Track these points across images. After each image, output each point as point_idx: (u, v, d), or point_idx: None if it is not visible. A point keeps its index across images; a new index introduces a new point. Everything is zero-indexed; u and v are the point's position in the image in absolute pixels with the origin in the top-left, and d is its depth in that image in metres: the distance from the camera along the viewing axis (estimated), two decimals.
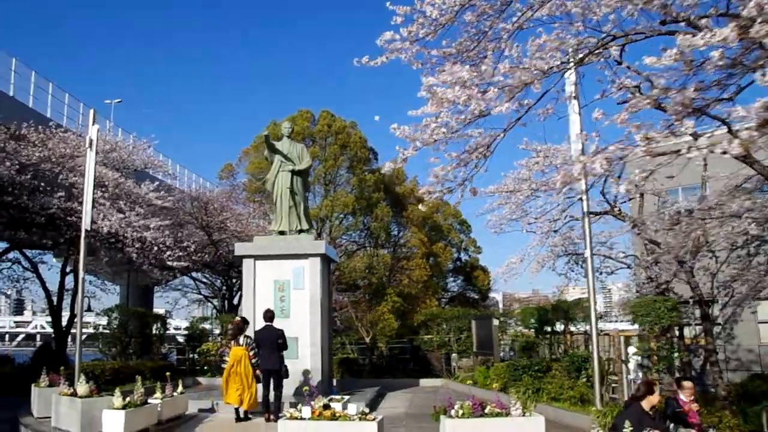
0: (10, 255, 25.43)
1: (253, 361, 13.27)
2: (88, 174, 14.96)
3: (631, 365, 16.18)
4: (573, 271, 21.81)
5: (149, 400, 12.26)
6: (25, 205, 20.70)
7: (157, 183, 27.61)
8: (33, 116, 23.48)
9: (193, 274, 32.60)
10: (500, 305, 55.19)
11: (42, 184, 20.98)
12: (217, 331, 23.64)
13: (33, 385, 14.10)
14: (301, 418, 9.88)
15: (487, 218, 21.20)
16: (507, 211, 21.15)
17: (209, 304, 36.54)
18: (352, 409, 9.91)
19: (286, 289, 15.68)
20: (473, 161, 12.49)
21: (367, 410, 9.98)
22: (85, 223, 14.77)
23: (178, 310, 37.95)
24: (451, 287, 40.54)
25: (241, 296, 33.57)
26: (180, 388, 13.65)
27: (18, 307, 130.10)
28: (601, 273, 22.51)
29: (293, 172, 16.42)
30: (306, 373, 15.24)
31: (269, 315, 13.64)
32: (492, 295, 44.70)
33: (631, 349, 15.60)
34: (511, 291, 62.15)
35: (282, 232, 16.40)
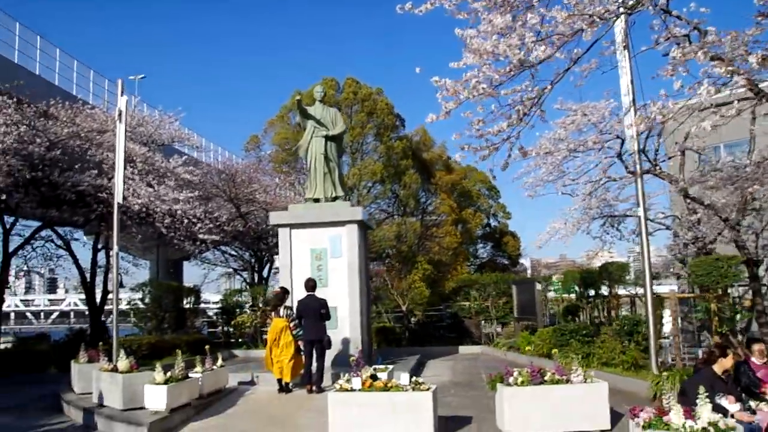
0: (43, 233, 25.20)
1: (294, 332, 12.84)
2: (118, 146, 14.50)
3: (666, 329, 15.56)
4: (608, 233, 21.17)
5: (190, 374, 11.87)
6: (55, 182, 20.32)
7: (185, 157, 27.23)
8: (59, 94, 23.13)
9: (222, 248, 32.20)
10: (528, 272, 54.47)
11: (71, 160, 20.60)
12: (249, 304, 23.21)
13: (72, 361, 13.75)
14: (352, 390, 9.38)
15: (524, 180, 20.56)
16: (544, 172, 20.48)
17: (238, 277, 36.21)
18: (404, 378, 9.39)
19: (323, 258, 15.17)
20: (520, 116, 11.79)
21: (420, 380, 9.44)
22: (118, 197, 14.34)
23: (208, 284, 37.71)
24: (480, 254, 39.95)
25: (271, 268, 33.32)
26: (220, 361, 13.23)
27: (51, 286, 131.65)
28: (637, 235, 21.79)
29: (327, 138, 15.82)
30: (346, 342, 14.79)
31: (311, 284, 13.16)
32: (521, 261, 44.06)
33: (666, 312, 14.99)
34: (537, 257, 61.41)
35: (317, 200, 15.87)
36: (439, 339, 21.28)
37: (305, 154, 16.20)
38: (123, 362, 11.60)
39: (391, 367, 12.43)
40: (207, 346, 13.20)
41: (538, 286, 16.90)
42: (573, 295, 19.16)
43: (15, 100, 18.81)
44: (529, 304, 17.41)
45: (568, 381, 9.20)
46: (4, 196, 17.41)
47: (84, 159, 20.93)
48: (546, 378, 9.26)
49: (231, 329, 21.79)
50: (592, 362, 13.07)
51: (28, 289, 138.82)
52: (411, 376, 13.98)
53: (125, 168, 21.36)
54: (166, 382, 10.78)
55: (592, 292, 17.98)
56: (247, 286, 26.88)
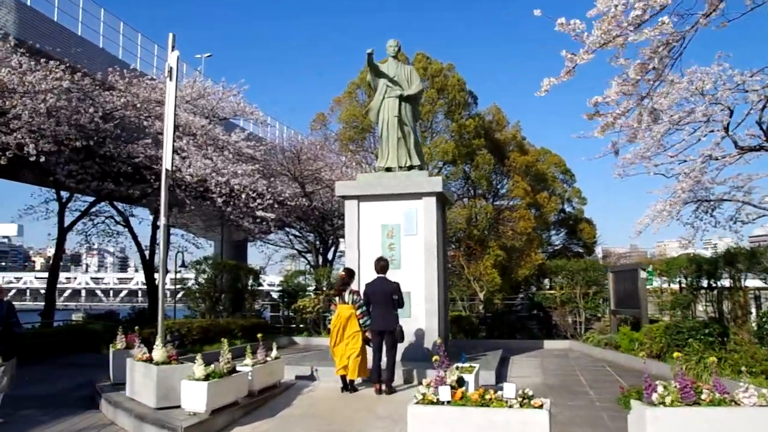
0: (105, 209, 23.71)
1: (362, 321, 10.44)
2: (168, 108, 12.25)
3: None
4: (701, 220, 18.30)
5: (238, 367, 9.60)
6: (110, 154, 18.63)
7: (247, 132, 25.29)
8: (116, 63, 21.52)
9: (286, 229, 30.21)
10: (600, 262, 50.90)
11: (125, 133, 18.89)
12: (312, 287, 21.05)
13: (110, 346, 11.67)
14: (439, 402, 6.92)
15: (621, 156, 17.80)
16: (642, 148, 17.74)
17: (302, 259, 34.24)
18: (509, 390, 6.87)
19: (395, 235, 12.74)
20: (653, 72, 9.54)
21: (530, 392, 6.91)
22: (166, 163, 12.13)
23: (272, 265, 35.86)
24: (553, 241, 36.92)
25: (336, 251, 31.12)
26: (274, 352, 10.97)
27: (122, 265, 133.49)
28: (735, 222, 18.91)
29: (401, 98, 13.35)
30: (420, 333, 12.38)
31: (382, 264, 10.74)
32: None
33: None
34: (608, 246, 57.39)
35: (389, 169, 13.44)
36: (520, 331, 18.62)
37: (376, 117, 13.76)
38: (159, 351, 9.40)
39: (476, 366, 9.94)
40: (259, 335, 10.89)
41: (643, 274, 14.04)
42: (675, 287, 16.31)
43: (68, 66, 17.10)
44: (630, 295, 14.58)
45: (732, 401, 6.53)
46: (44, 160, 15.62)
47: (140, 130, 19.20)
48: (702, 396, 6.60)
49: (292, 314, 19.61)
50: (724, 369, 10.30)
51: (100, 267, 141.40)
52: (495, 376, 11.58)
53: (182, 139, 19.67)
54: (207, 378, 8.55)
55: (706, 284, 15.14)
56: (311, 269, 24.76)
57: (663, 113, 15.84)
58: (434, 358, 8.19)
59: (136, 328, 11.38)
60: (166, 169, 11.96)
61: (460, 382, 8.18)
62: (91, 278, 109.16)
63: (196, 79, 23.23)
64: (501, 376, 11.80)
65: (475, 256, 25.85)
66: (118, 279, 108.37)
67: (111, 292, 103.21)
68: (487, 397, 6.93)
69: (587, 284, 17.56)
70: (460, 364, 9.46)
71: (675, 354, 8.67)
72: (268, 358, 10.67)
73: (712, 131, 16.42)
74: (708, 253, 27.85)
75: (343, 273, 10.90)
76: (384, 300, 10.35)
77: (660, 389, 6.68)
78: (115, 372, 10.96)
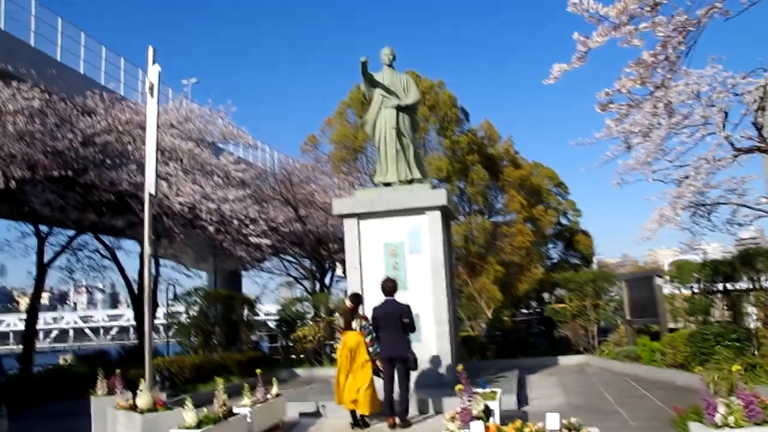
0: (90, 243, 22.50)
1: (371, 348, 9.29)
2: (150, 127, 11.17)
3: None
4: (698, 224, 17.45)
5: (235, 408, 8.44)
6: (92, 182, 17.44)
7: (237, 156, 24.29)
8: (94, 87, 20.36)
9: (281, 255, 29.04)
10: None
11: (108, 159, 17.76)
12: (310, 315, 19.88)
13: (90, 391, 10.44)
14: None
15: (622, 162, 16.94)
16: (643, 153, 16.89)
17: (299, 286, 33.04)
18: (552, 421, 5.80)
19: (399, 254, 11.67)
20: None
21: (576, 421, 5.84)
22: (149, 187, 11.02)
23: (267, 294, 34.58)
24: (551, 254, 35.95)
25: (333, 276, 29.96)
26: (275, 388, 9.83)
27: (113, 301, 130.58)
28: (731, 224, 18.07)
29: (399, 108, 12.33)
30: (433, 359, 11.30)
31: (390, 286, 9.62)
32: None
33: None
34: (600, 257, 56.30)
35: (388, 184, 12.38)
36: (532, 348, 17.50)
37: (372, 129, 12.72)
38: (144, 397, 8.25)
39: (498, 391, 8.85)
40: (258, 370, 9.72)
41: (659, 281, 12.98)
42: (687, 292, 15.31)
43: (44, 91, 16.08)
44: (647, 304, 13.48)
45: None
46: (18, 188, 14.52)
47: (124, 156, 18.07)
48: None
49: (291, 344, 18.40)
50: (758, 376, 9.28)
51: (89, 304, 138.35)
52: (516, 400, 10.48)
53: (166, 164, 18.58)
54: (199, 425, 7.41)
55: (721, 287, 14.17)
56: (309, 295, 23.57)
57: (676, 110, 15.10)
58: (458, 387, 7.13)
59: (117, 371, 10.13)
60: (150, 194, 10.88)
61: (488, 412, 7.13)
62: (80, 317, 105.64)
63: (182, 101, 22.13)
64: (522, 400, 10.69)
65: (475, 273, 24.84)
66: (108, 316, 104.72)
67: (101, 330, 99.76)
68: (527, 430, 5.87)
69: (597, 295, 16.52)
70: (480, 390, 8.35)
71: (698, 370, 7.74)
72: (269, 396, 9.54)
73: (711, 134, 15.68)
74: (699, 259, 26.96)
75: (350, 303, 9.71)
76: (394, 324, 9.24)
77: (722, 408, 5.64)
78: (97, 423, 9.72)
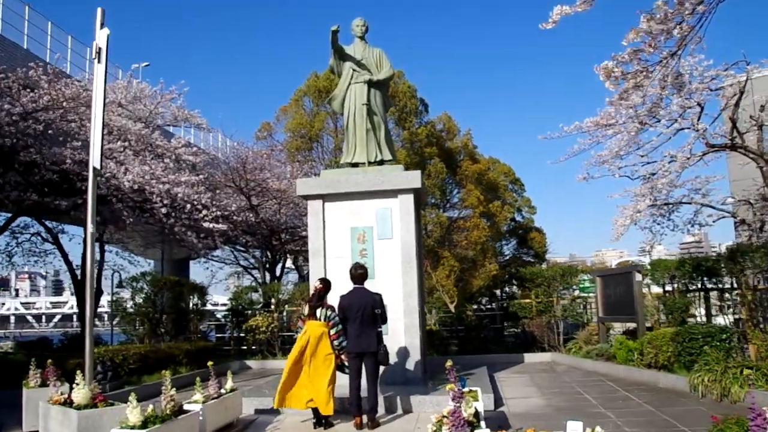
0: (32, 227, 20.89)
1: (337, 341, 8.22)
2: (96, 95, 9.87)
3: None
4: (659, 224, 17.06)
5: (185, 405, 7.33)
6: (33, 159, 15.93)
7: (187, 139, 22.94)
8: (38, 61, 18.73)
9: (231, 245, 27.69)
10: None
11: (50, 133, 16.24)
12: (261, 305, 18.71)
13: (23, 383, 9.16)
14: None
15: (592, 154, 16.31)
16: (615, 146, 16.31)
17: (249, 276, 31.68)
18: (575, 429, 4.87)
19: (368, 240, 10.68)
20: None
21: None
22: (94, 161, 9.74)
23: (216, 284, 33.13)
24: (504, 250, 35.33)
25: (284, 267, 28.77)
26: (230, 382, 8.73)
27: (57, 288, 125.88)
28: (693, 225, 17.73)
29: (370, 83, 11.30)
30: (401, 353, 10.36)
31: (360, 273, 8.59)
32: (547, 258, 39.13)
33: None
34: (549, 256, 56.24)
35: (355, 165, 11.33)
36: (495, 344, 16.64)
37: (341, 106, 11.66)
38: (81, 391, 7.06)
39: (477, 390, 7.96)
40: (210, 362, 8.57)
41: (638, 277, 12.24)
42: (659, 290, 14.70)
43: None
44: (623, 302, 12.69)
45: None
46: None
47: (68, 134, 16.59)
48: None
49: (243, 334, 17.17)
50: (758, 380, 8.57)
51: (32, 291, 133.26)
52: (491, 398, 9.59)
53: (114, 141, 17.19)
54: (144, 425, 6.28)
55: (700, 285, 13.61)
56: (259, 286, 22.32)
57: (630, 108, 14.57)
58: (449, 387, 6.17)
59: (49, 361, 8.84)
60: (94, 168, 9.64)
61: (477, 415, 6.24)
62: (21, 303, 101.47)
63: (131, 80, 20.60)
64: (497, 399, 9.81)
65: (432, 266, 23.98)
66: (51, 303, 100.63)
67: (43, 317, 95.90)
68: None
69: (564, 291, 15.77)
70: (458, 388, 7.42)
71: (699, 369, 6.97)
72: (223, 391, 8.43)
73: (683, 129, 15.18)
74: (646, 261, 26.75)
75: (319, 284, 8.60)
76: (364, 315, 8.20)
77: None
78: (29, 417, 8.46)
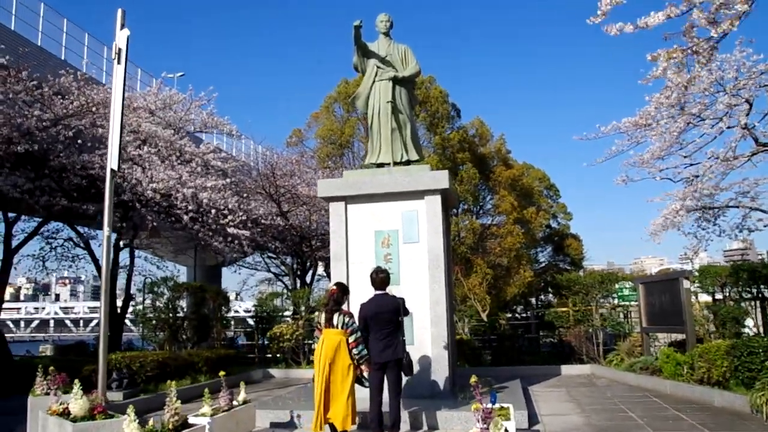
0: (63, 231, 20.74)
1: (356, 350, 7.49)
2: (115, 95, 9.44)
3: None
4: (704, 229, 15.96)
5: (191, 419, 6.72)
6: (62, 165, 15.71)
7: (216, 145, 22.61)
8: (67, 67, 18.60)
9: (263, 251, 27.25)
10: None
11: (79, 140, 16.02)
12: (289, 312, 18.14)
13: (30, 391, 8.67)
14: None
15: (631, 154, 15.41)
16: (657, 147, 15.35)
17: (279, 283, 31.20)
18: None
19: (393, 244, 9.99)
20: None
21: None
22: (111, 162, 9.28)
23: (246, 290, 32.71)
24: (539, 258, 34.34)
25: (314, 274, 28.19)
26: (243, 394, 8.11)
27: (95, 293, 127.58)
28: (741, 230, 16.57)
29: (395, 81, 10.65)
30: (426, 363, 9.64)
31: (382, 277, 7.86)
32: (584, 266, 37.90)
33: None
34: (586, 264, 54.95)
35: (381, 165, 10.66)
36: (531, 354, 15.77)
37: (365, 104, 11.03)
38: (77, 402, 6.49)
39: (509, 407, 7.17)
40: (222, 372, 7.96)
41: (687, 284, 11.26)
42: (708, 298, 13.70)
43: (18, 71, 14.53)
44: (670, 311, 11.70)
45: None
46: None
47: (98, 140, 16.35)
48: None
49: (267, 342, 16.59)
50: None
51: (72, 296, 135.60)
52: (526, 416, 8.79)
53: (140, 147, 16.86)
54: None
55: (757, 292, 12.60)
56: (288, 292, 21.78)
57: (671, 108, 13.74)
58: (474, 407, 5.45)
59: (51, 368, 8.33)
60: (112, 169, 9.23)
61: None
62: (61, 308, 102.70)
63: (162, 86, 20.31)
64: (531, 416, 9.00)
65: (465, 274, 23.19)
66: (88, 308, 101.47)
67: (81, 321, 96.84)
68: None
69: (604, 299, 14.83)
70: (490, 406, 6.66)
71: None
72: (235, 403, 7.82)
73: (730, 128, 14.20)
74: (688, 268, 25.51)
75: (334, 288, 7.86)
76: (387, 323, 7.51)
77: None
78: (33, 426, 7.95)
